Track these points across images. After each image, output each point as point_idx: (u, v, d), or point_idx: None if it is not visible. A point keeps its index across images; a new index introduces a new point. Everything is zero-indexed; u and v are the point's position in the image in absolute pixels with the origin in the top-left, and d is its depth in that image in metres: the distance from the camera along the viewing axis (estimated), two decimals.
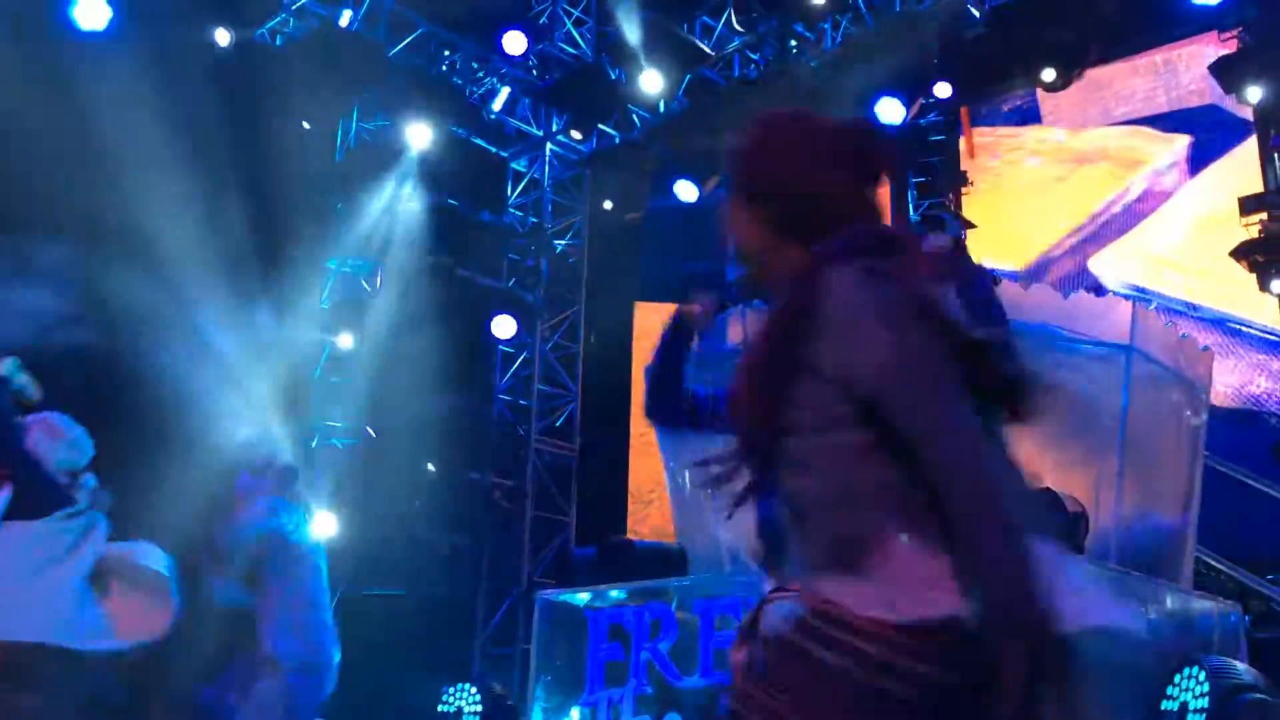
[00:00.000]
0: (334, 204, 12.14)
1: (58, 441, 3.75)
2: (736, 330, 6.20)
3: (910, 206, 10.47)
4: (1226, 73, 8.52)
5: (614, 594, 5.75)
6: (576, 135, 11.78)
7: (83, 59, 8.43)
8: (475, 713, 7.08)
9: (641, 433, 11.95)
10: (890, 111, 9.09)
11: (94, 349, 7.36)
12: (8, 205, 7.47)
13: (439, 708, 7.28)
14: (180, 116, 8.67)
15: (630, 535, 10.50)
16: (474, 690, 7.21)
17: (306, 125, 10.53)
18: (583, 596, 5.87)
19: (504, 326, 10.93)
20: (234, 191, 11.66)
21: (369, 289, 11.89)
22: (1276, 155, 9.36)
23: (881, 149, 1.89)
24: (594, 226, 12.41)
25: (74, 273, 7.34)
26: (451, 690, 7.31)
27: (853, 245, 1.75)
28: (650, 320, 12.15)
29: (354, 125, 11.17)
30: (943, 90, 9.54)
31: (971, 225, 9.80)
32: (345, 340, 10.92)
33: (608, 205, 11.91)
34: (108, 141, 7.92)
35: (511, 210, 12.15)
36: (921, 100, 9.26)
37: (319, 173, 11.64)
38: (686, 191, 10.89)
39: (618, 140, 11.74)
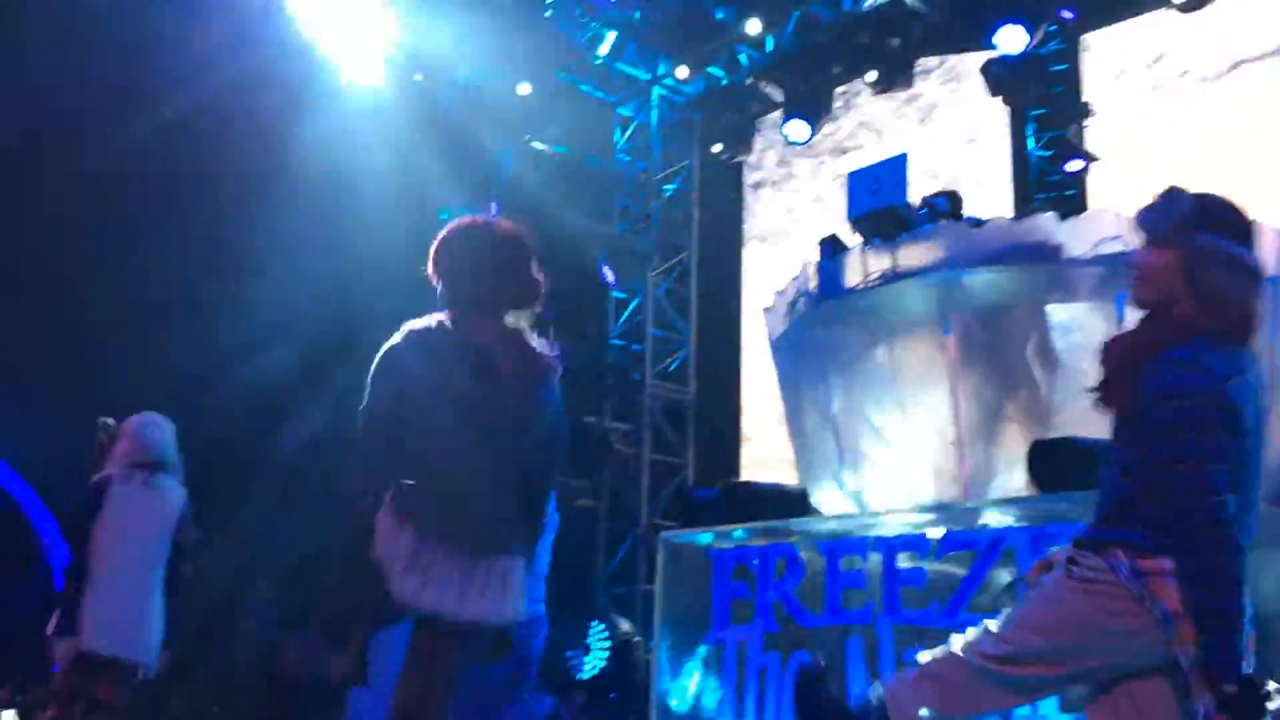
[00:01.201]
0: (444, 153, 12.34)
1: None
2: (856, 270, 6.15)
3: (1030, 139, 10.14)
4: None
5: (737, 534, 5.79)
6: (683, 77, 11.68)
7: None
8: (603, 650, 7.27)
9: (756, 376, 11.94)
10: (1011, 40, 8.78)
11: None
12: None
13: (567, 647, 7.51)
14: None
15: (746, 477, 10.55)
16: (601, 627, 7.39)
17: (418, 78, 10.66)
18: (706, 537, 5.92)
19: (614, 273, 10.99)
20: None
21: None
22: None
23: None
24: (705, 169, 12.35)
25: None
26: (579, 627, 7.52)
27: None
28: (760, 263, 12.08)
29: (464, 74, 11.25)
30: (1065, 15, 9.18)
31: (1094, 158, 9.46)
32: None
33: (716, 148, 11.82)
34: None
35: (620, 156, 12.16)
36: (1045, 28, 8.91)
37: (425, 124, 11.82)
38: (798, 131, 10.72)
39: (725, 82, 11.61)
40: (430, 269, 2.88)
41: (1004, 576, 4.57)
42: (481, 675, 2.85)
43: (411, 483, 2.58)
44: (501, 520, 2.68)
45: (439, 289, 2.86)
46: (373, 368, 2.71)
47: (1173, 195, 2.50)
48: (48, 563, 12.29)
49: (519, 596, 2.68)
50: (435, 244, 2.91)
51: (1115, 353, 2.52)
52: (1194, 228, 2.45)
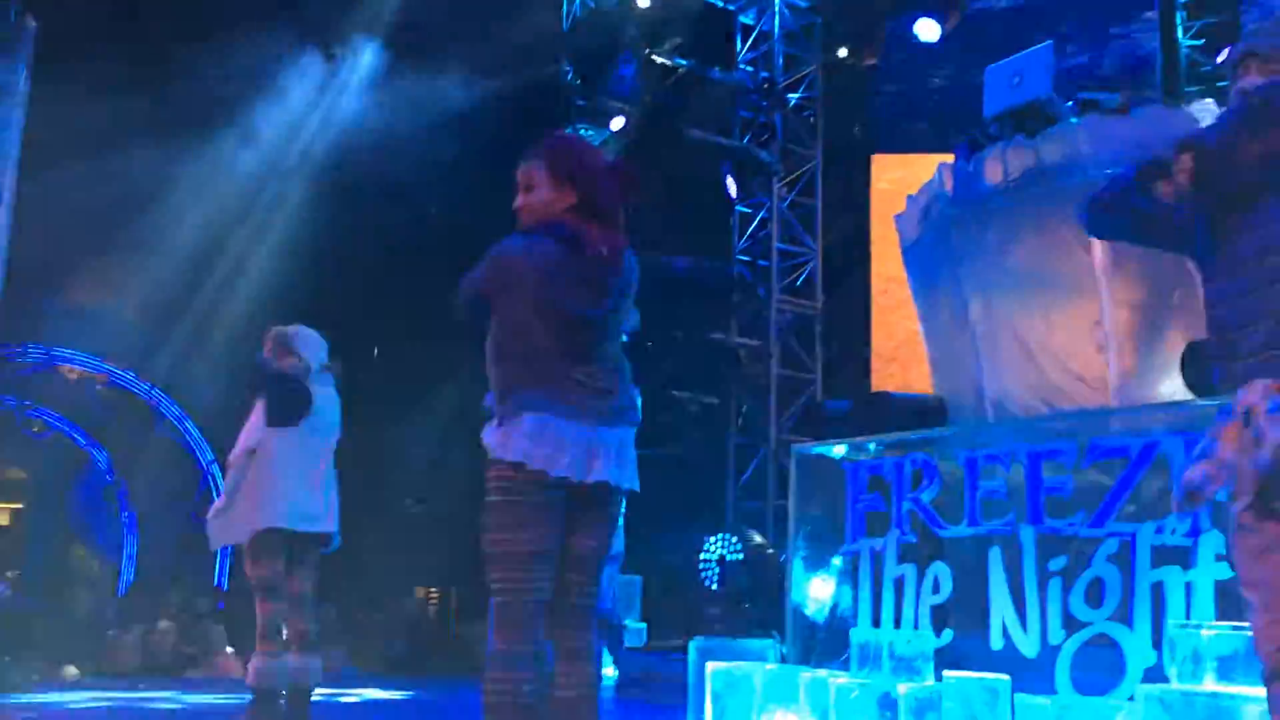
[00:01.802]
0: (564, 73, 12.27)
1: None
2: (995, 170, 5.89)
3: (1179, 29, 9.50)
4: None
5: (871, 446, 5.69)
6: None
7: None
8: (737, 560, 7.30)
9: (884, 289, 11.68)
10: None
11: None
12: None
13: (701, 556, 7.56)
14: None
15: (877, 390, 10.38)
16: (734, 539, 7.42)
17: None
18: (839, 449, 5.84)
19: (738, 184, 10.79)
20: (458, 65, 11.98)
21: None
22: None
23: None
24: (829, 77, 11.98)
25: None
26: (712, 539, 7.56)
27: None
28: (889, 172, 11.72)
29: None
30: None
31: None
32: None
33: (842, 53, 11.42)
34: None
35: (742, 66, 11.88)
36: None
37: (547, 43, 11.75)
38: (928, 30, 10.25)
39: None
40: (548, 175, 2.83)
41: (1156, 484, 4.38)
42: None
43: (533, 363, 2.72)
44: (614, 393, 2.80)
45: (550, 193, 2.81)
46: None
47: None
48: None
49: (633, 465, 2.82)
50: (556, 153, 2.85)
51: None
52: None
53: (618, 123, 11.28)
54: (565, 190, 2.77)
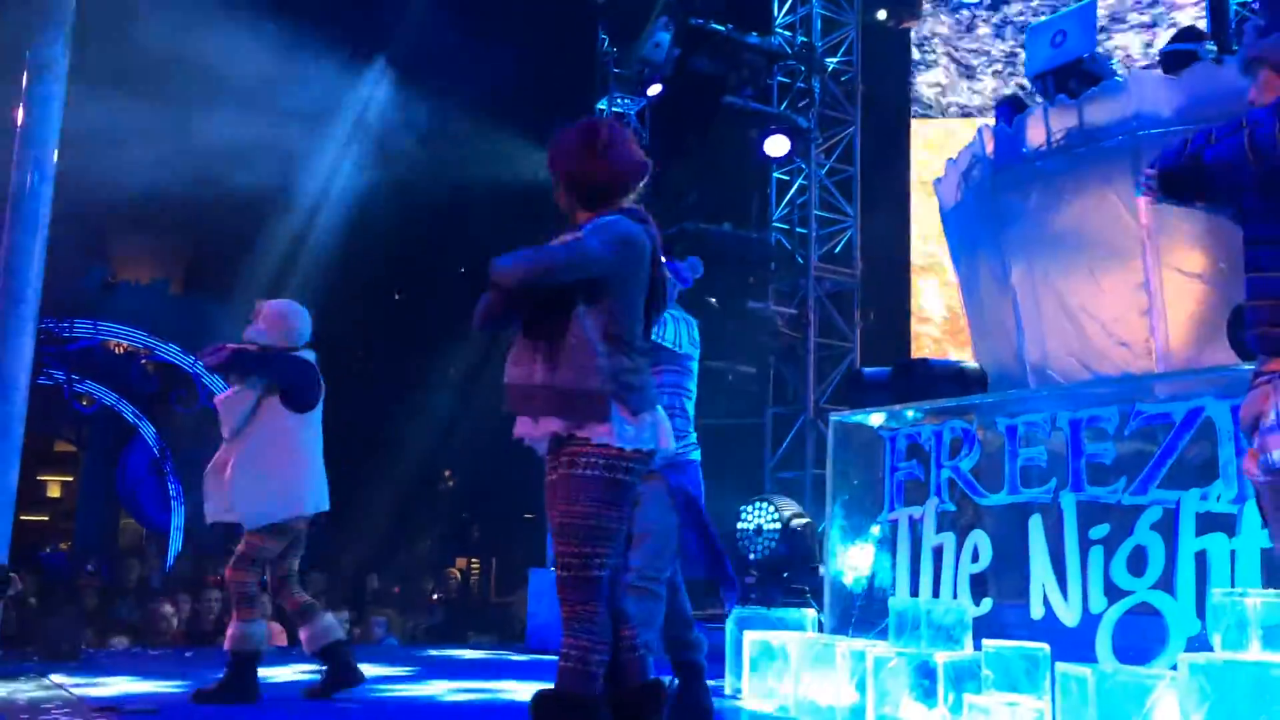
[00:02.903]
0: (600, 41, 12.18)
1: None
2: (1038, 131, 5.76)
3: None
4: None
5: (910, 414, 5.63)
6: None
7: None
8: (774, 529, 7.27)
9: (925, 254, 11.55)
10: None
11: None
12: None
13: (738, 525, 7.54)
14: None
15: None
16: (771, 508, 7.39)
17: None
18: (877, 418, 5.79)
19: (777, 145, 10.63)
20: (495, 34, 11.95)
21: (640, 125, 11.94)
22: None
23: None
24: (867, 40, 11.79)
25: None
26: (749, 508, 7.54)
27: None
28: (929, 137, 11.55)
29: None
30: None
31: None
32: None
33: (881, 15, 11.23)
34: None
35: (779, 30, 11.72)
36: None
37: (581, 13, 11.66)
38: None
39: None
40: (594, 163, 2.86)
41: (1201, 450, 4.29)
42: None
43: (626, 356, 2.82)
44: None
45: (598, 181, 2.87)
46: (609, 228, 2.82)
47: None
48: None
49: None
50: (599, 140, 2.87)
51: None
52: None
53: (654, 90, 11.18)
54: (562, 191, 2.92)
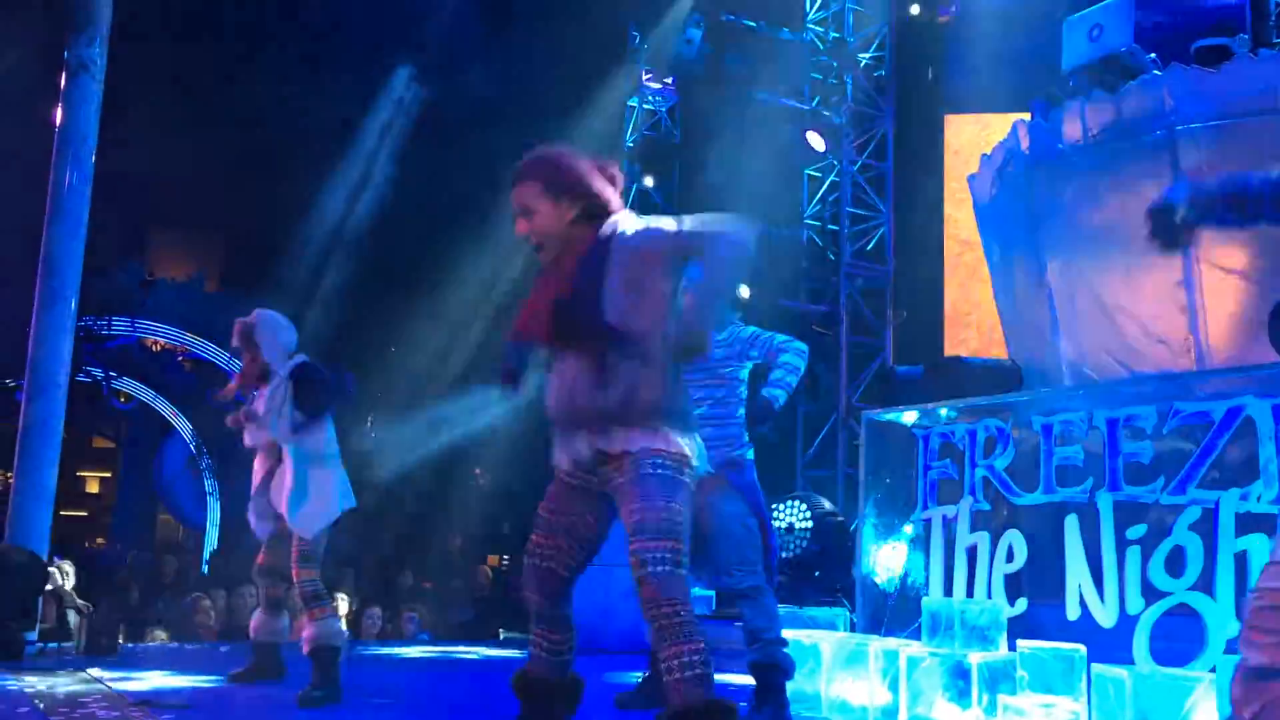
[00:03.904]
0: (631, 38, 12.17)
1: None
2: (1074, 126, 5.69)
3: None
4: None
5: (943, 412, 5.59)
6: None
7: None
8: (806, 527, 7.24)
9: (957, 252, 11.45)
10: None
11: None
12: None
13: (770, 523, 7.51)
14: None
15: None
16: (803, 506, 7.36)
17: None
18: (910, 416, 5.75)
19: (817, 140, 10.60)
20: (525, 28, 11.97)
21: (670, 122, 11.93)
22: None
23: None
24: (900, 36, 11.71)
25: None
26: (781, 506, 7.51)
27: None
28: (962, 131, 11.45)
29: None
30: None
31: None
32: (648, 180, 11.09)
33: (914, 10, 11.15)
34: None
35: (811, 26, 11.67)
36: None
37: (613, 7, 11.66)
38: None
39: None
40: (544, 194, 2.86)
41: (1240, 449, 4.23)
42: None
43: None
44: None
45: (552, 211, 2.87)
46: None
47: None
48: None
49: None
50: (546, 170, 2.88)
51: None
52: None
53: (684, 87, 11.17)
54: (564, 205, 2.82)
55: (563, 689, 2.95)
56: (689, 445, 2.78)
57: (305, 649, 4.37)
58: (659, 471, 2.71)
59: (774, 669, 3.91)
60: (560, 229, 2.83)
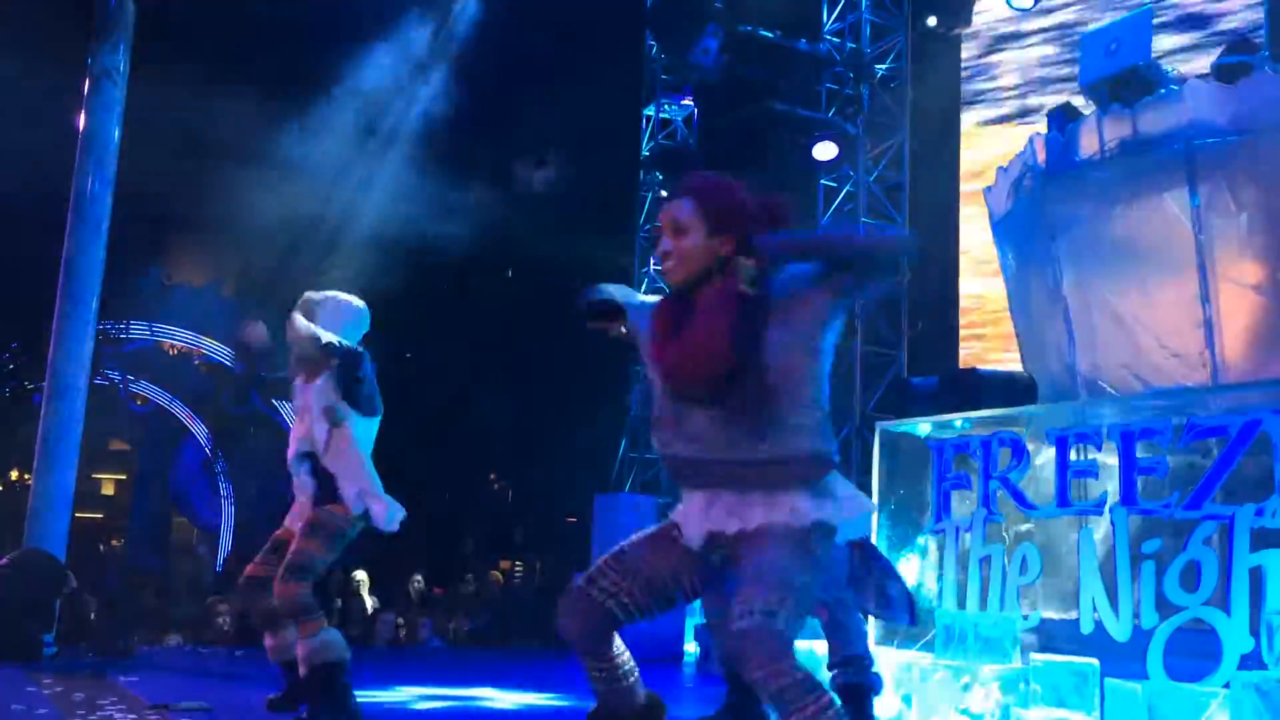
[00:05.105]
0: (649, 48, 12.21)
1: None
2: (1091, 140, 5.70)
3: None
4: None
5: (958, 424, 5.59)
6: None
7: None
8: None
9: (973, 264, 11.44)
10: None
11: None
12: None
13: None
14: None
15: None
16: None
17: None
18: (924, 428, 5.76)
19: (825, 150, 10.60)
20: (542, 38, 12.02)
21: (687, 131, 11.94)
22: None
23: None
24: (917, 47, 11.72)
25: None
26: None
27: None
28: (980, 143, 11.44)
29: None
30: None
31: None
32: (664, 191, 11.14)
33: (931, 21, 11.15)
34: None
35: (828, 37, 11.69)
36: None
37: (629, 19, 11.71)
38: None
39: None
40: (702, 219, 2.60)
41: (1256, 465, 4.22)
42: None
43: None
44: None
45: (704, 239, 2.60)
46: None
47: None
48: None
49: None
50: (710, 195, 2.62)
51: None
52: None
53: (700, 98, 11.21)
54: (722, 236, 2.54)
55: (643, 718, 2.65)
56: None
57: (302, 670, 3.90)
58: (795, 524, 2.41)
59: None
60: (708, 260, 2.56)
